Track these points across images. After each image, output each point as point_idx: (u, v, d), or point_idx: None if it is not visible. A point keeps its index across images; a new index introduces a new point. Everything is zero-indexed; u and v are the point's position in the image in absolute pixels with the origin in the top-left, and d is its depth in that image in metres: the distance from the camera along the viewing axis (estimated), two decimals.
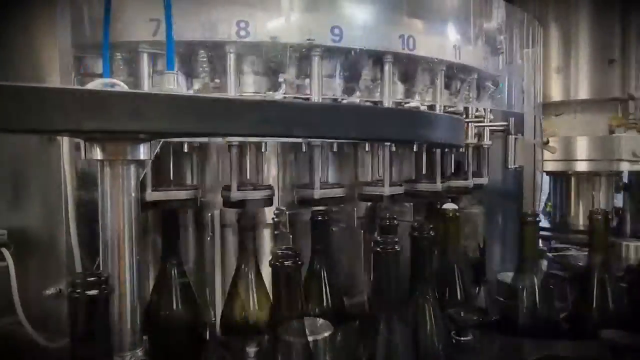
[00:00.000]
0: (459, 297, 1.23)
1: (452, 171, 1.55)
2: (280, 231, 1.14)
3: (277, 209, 1.15)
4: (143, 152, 0.76)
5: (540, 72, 1.92)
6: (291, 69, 1.16)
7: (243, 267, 1.09)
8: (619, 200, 2.57)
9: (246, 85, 1.16)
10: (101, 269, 0.77)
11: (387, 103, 1.24)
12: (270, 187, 1.19)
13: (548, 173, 2.41)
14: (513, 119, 1.65)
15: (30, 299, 0.94)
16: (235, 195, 1.10)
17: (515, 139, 1.68)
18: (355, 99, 1.23)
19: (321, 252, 1.15)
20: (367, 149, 1.35)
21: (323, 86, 1.16)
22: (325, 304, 1.15)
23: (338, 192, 1.25)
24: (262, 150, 1.20)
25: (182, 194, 1.13)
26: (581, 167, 2.23)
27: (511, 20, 1.64)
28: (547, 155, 2.15)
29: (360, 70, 1.24)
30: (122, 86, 0.92)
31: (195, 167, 1.22)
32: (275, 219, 1.16)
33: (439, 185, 1.36)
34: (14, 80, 0.52)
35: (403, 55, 1.22)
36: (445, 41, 1.32)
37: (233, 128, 0.65)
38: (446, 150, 1.49)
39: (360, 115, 0.79)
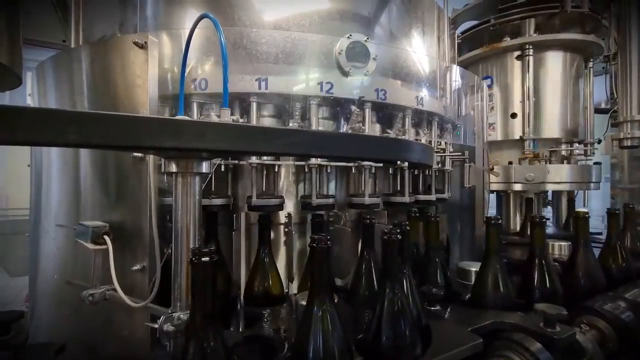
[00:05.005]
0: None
1: (425, 188, 1.51)
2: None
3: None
4: (205, 167, 0.76)
5: (486, 119, 1.90)
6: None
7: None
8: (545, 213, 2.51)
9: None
10: (172, 252, 0.77)
11: None
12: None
13: (493, 191, 2.37)
14: (468, 151, 1.63)
15: (123, 272, 0.93)
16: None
17: (469, 166, 1.65)
18: None
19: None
20: (353, 171, 1.29)
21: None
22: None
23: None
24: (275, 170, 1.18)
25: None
26: (517, 187, 2.19)
27: (466, 81, 1.63)
28: (492, 178, 2.11)
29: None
30: None
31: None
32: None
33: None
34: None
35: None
36: (409, 94, 1.29)
37: (267, 148, 0.64)
38: (416, 172, 1.46)
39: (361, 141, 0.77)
